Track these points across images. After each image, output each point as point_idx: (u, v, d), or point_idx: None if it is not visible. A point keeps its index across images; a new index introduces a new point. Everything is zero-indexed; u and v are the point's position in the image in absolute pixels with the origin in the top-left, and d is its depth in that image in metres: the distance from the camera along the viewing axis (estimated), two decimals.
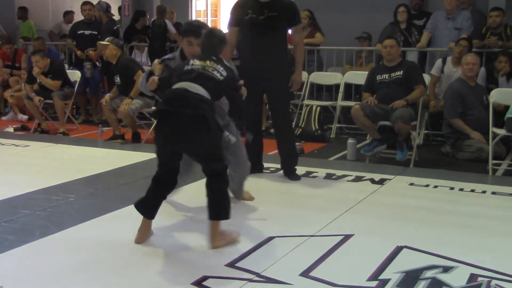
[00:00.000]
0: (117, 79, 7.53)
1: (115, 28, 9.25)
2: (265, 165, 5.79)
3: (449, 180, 5.47)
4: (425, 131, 7.54)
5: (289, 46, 5.92)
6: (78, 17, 10.88)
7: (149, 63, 9.84)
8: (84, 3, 9.40)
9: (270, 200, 4.88)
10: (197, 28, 4.15)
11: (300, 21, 5.58)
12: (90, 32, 9.15)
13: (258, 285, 3.17)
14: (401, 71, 6.40)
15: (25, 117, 9.13)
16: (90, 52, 9.12)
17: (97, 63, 9.14)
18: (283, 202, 4.92)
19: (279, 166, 5.70)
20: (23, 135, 8.01)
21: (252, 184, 5.37)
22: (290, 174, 5.53)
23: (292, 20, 5.42)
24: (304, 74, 8.58)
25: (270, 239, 3.85)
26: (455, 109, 6.63)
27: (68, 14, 12.38)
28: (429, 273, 3.31)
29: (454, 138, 6.72)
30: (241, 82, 3.98)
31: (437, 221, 4.31)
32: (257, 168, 5.64)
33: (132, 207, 3.78)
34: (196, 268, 3.35)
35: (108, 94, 7.62)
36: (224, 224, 3.71)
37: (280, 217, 4.35)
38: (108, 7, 9.44)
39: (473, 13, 8.27)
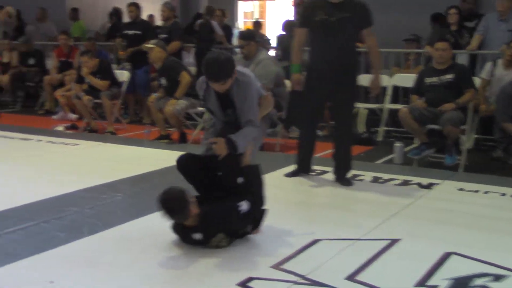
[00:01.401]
0: (163, 81, 7.60)
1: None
2: (313, 167, 5.75)
3: (501, 186, 5.34)
4: (475, 135, 7.37)
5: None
6: (125, 18, 11.03)
7: (196, 65, 9.91)
8: (128, 4, 9.51)
9: (316, 203, 4.85)
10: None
11: (372, 23, 5.28)
12: (134, 32, 9.23)
13: (303, 287, 3.14)
14: (452, 74, 6.28)
15: (75, 116, 9.29)
16: (120, 52, 9.24)
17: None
18: (329, 204, 4.89)
19: (326, 168, 5.66)
20: (72, 134, 8.15)
21: (299, 186, 5.37)
22: (342, 180, 5.44)
23: (364, 22, 5.23)
24: None
25: (316, 241, 3.83)
26: (507, 113, 6.47)
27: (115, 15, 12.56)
28: (479, 281, 3.24)
29: (506, 142, 6.55)
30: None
31: (487, 228, 4.21)
32: (305, 169, 5.61)
33: None
34: (241, 269, 3.35)
35: (155, 94, 7.69)
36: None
37: (327, 219, 4.32)
38: (174, 8, 9.53)
39: None
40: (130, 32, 9.24)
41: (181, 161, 3.98)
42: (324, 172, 5.72)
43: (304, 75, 5.42)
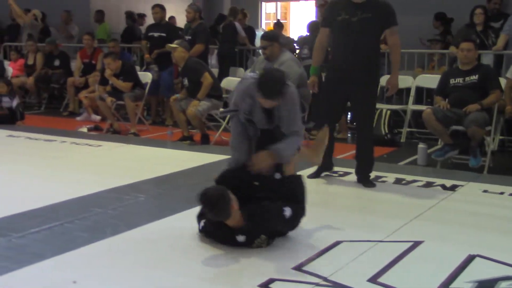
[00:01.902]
0: (185, 82, 7.63)
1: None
2: (335, 168, 5.73)
3: None
4: (500, 137, 7.28)
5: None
6: (150, 20, 11.09)
7: (218, 66, 9.93)
8: (153, 6, 9.55)
9: (338, 204, 4.83)
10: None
11: (396, 23, 5.25)
12: (159, 34, 9.26)
13: None
14: (477, 75, 6.21)
15: (98, 117, 9.36)
16: (146, 55, 9.28)
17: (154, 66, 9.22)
18: (351, 206, 4.86)
19: (348, 170, 5.64)
20: (96, 135, 8.21)
21: (321, 187, 5.36)
22: (364, 181, 5.42)
23: (386, 22, 5.19)
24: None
25: (338, 243, 3.81)
26: None
27: (140, 17, 12.67)
28: (504, 284, 3.20)
29: None
30: None
31: None
32: (327, 167, 5.59)
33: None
34: (263, 270, 3.34)
35: (177, 95, 7.72)
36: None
37: (349, 221, 4.30)
38: (201, 10, 9.52)
39: None
40: (156, 34, 9.27)
41: (218, 183, 3.93)
42: (347, 173, 5.70)
43: (323, 76, 5.43)
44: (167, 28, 9.38)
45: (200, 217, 3.88)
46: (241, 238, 3.63)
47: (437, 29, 9.59)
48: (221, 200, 3.50)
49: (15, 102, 8.99)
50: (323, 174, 5.61)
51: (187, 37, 8.85)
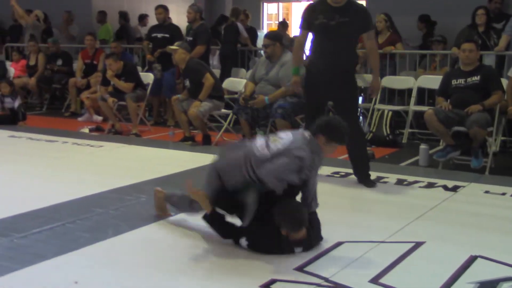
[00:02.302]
0: (187, 83, 7.63)
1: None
2: (336, 169, 5.74)
3: None
4: (502, 138, 7.28)
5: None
6: (152, 20, 11.10)
7: (220, 67, 9.93)
8: (156, 7, 9.56)
9: (340, 205, 4.83)
10: None
11: (373, 27, 5.42)
12: (162, 35, 9.26)
13: None
14: (478, 76, 6.20)
15: (100, 118, 9.37)
16: (148, 56, 9.28)
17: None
18: (353, 207, 4.86)
19: (349, 170, 5.63)
20: (97, 135, 8.22)
21: (322, 188, 5.33)
22: (365, 181, 5.43)
23: (363, 26, 5.30)
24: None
25: (339, 244, 3.81)
26: None
27: (143, 18, 12.68)
28: (505, 285, 3.20)
29: None
30: None
31: None
32: None
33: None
34: (264, 271, 3.35)
35: (179, 96, 7.72)
36: None
37: (350, 222, 4.30)
38: (202, 10, 9.50)
39: None
40: (159, 35, 9.27)
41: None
42: (348, 174, 5.70)
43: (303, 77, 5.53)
44: (171, 29, 9.38)
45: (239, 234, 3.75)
46: (298, 250, 3.65)
47: (420, 30, 9.62)
48: (305, 215, 3.61)
49: (17, 103, 9.01)
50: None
51: (188, 38, 8.85)
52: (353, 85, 5.51)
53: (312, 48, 5.47)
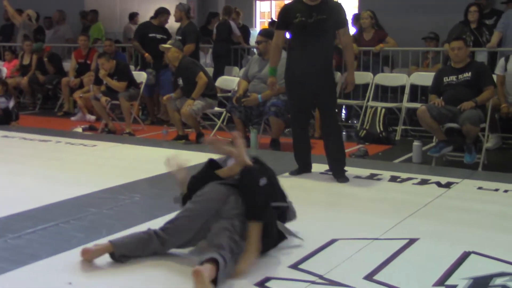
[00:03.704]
0: (180, 81, 7.62)
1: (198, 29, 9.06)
2: (328, 167, 5.74)
3: None
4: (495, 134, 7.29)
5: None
6: (143, 19, 11.06)
7: (213, 65, 9.92)
8: (163, 10, 9.50)
9: (334, 203, 4.84)
10: None
11: (347, 23, 5.54)
12: (161, 36, 9.23)
13: (321, 287, 3.14)
14: (470, 73, 6.22)
15: (93, 117, 9.35)
16: (146, 54, 9.23)
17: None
18: (347, 204, 4.87)
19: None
20: (91, 135, 8.21)
21: (317, 186, 5.36)
22: (338, 175, 5.49)
23: (339, 22, 5.40)
24: (369, 75, 8.50)
25: (333, 241, 3.81)
26: None
27: (134, 17, 12.64)
28: (499, 281, 3.21)
29: None
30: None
31: (507, 227, 4.17)
32: (306, 169, 5.65)
33: None
34: (258, 269, 3.34)
35: (171, 94, 7.72)
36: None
37: (344, 219, 4.31)
38: (188, 9, 9.47)
39: None
40: (158, 36, 9.24)
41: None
42: None
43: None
44: (170, 31, 9.36)
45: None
46: None
47: None
48: None
49: (11, 103, 8.97)
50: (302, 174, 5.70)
51: (178, 37, 8.83)
52: (332, 81, 5.59)
53: (291, 47, 5.52)
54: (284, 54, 6.44)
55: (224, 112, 7.88)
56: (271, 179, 3.63)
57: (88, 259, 3.42)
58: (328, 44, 5.44)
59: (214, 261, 3.09)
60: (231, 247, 3.27)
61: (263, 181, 3.49)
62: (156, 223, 4.18)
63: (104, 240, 3.78)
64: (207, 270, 3.04)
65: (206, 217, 3.45)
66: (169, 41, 7.83)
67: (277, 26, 5.64)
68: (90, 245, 3.52)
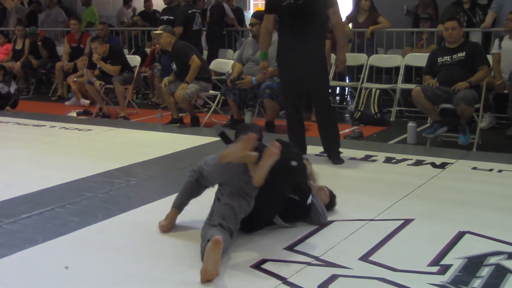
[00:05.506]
0: (173, 66, 7.59)
1: (190, 12, 8.89)
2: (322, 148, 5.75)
3: None
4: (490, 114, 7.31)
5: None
6: (137, 3, 10.99)
7: (207, 48, 9.87)
8: None
9: (328, 184, 4.82)
10: None
11: (336, 3, 5.48)
12: (167, 17, 9.15)
13: (317, 268, 3.15)
14: (464, 53, 6.22)
15: (87, 102, 9.33)
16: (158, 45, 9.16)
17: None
18: (342, 186, 4.86)
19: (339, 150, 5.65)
20: (85, 119, 8.19)
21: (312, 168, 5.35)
22: (333, 157, 5.50)
23: (327, 2, 5.35)
24: (363, 57, 8.49)
25: (329, 222, 3.83)
26: None
27: (128, 1, 12.55)
28: (493, 259, 3.23)
29: None
30: None
31: (501, 206, 4.19)
32: (301, 150, 5.67)
33: None
34: (255, 251, 3.36)
35: (167, 78, 7.69)
36: None
37: (339, 201, 4.30)
38: None
39: None
40: (164, 17, 9.18)
41: None
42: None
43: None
44: (176, 11, 9.29)
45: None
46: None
47: None
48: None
49: (13, 88, 8.90)
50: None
51: (167, 17, 8.79)
52: (324, 63, 5.56)
53: (281, 30, 5.50)
54: (275, 36, 6.43)
55: (219, 95, 7.86)
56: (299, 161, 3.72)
57: (168, 231, 3.69)
58: (318, 26, 5.39)
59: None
60: (232, 230, 3.35)
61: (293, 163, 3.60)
62: (152, 207, 4.22)
63: (99, 225, 3.79)
64: (226, 243, 3.20)
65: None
66: (160, 27, 7.77)
67: (266, 10, 5.60)
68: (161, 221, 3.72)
